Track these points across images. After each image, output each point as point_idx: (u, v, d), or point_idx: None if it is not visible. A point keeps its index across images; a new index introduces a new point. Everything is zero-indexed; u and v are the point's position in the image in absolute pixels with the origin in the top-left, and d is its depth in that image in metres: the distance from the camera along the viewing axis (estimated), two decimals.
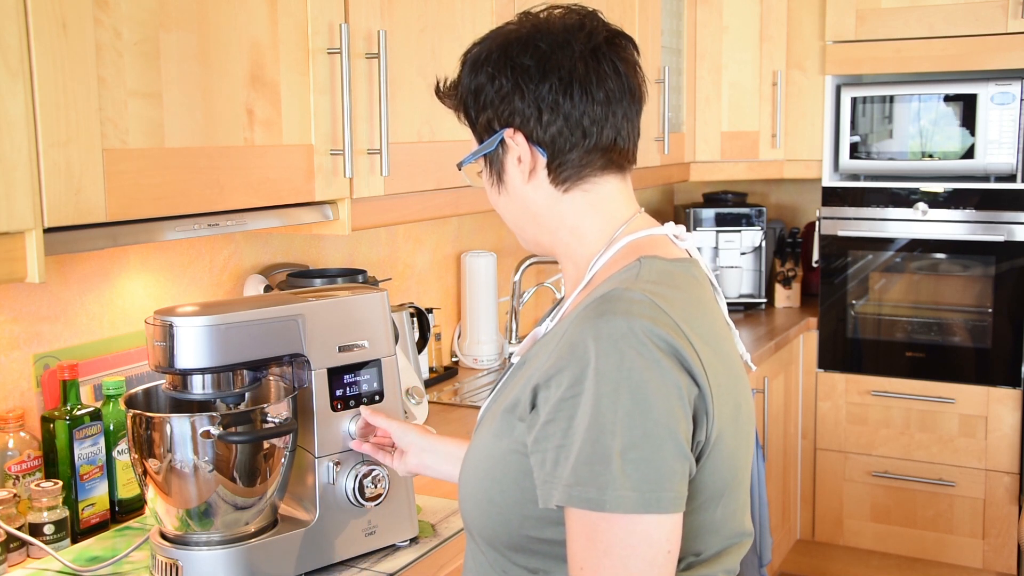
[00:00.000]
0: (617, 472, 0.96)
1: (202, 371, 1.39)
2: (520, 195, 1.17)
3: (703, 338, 1.05)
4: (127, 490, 1.74)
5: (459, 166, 1.24)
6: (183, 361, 1.37)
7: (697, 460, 1.03)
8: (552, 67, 1.11)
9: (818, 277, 3.59)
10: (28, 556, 1.57)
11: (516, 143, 1.14)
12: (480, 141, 1.18)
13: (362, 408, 1.51)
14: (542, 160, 1.14)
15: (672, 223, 1.20)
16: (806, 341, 3.57)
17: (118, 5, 1.36)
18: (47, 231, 1.28)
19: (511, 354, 1.23)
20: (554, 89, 1.11)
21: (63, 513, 1.60)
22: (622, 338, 0.98)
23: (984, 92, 3.21)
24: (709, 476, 1.05)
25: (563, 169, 1.14)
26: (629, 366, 0.97)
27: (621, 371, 0.97)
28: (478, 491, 1.11)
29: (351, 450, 1.50)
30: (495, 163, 1.17)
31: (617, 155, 1.16)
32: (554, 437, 1.00)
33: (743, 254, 3.76)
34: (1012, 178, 3.22)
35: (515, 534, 1.08)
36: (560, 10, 1.16)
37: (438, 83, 1.23)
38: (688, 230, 3.70)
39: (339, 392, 1.50)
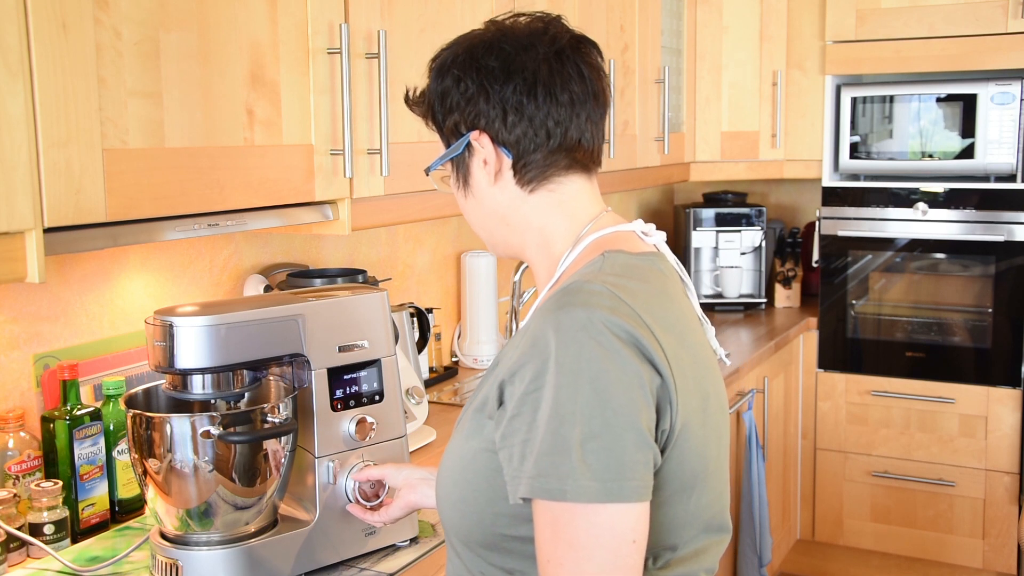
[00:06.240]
0: (577, 462, 0.96)
1: (202, 371, 1.39)
2: (487, 197, 1.19)
3: (667, 329, 1.06)
4: (127, 490, 1.74)
5: (427, 171, 1.25)
6: (183, 361, 1.37)
7: (663, 450, 1.04)
8: (516, 68, 1.13)
9: (818, 277, 3.59)
10: (28, 556, 1.57)
11: (482, 145, 1.16)
12: (447, 145, 1.20)
13: (353, 474, 1.49)
14: (507, 161, 1.16)
15: (640, 220, 1.21)
16: (806, 341, 3.57)
17: (118, 5, 1.36)
18: (47, 231, 1.28)
19: None
20: (518, 90, 1.13)
21: (63, 513, 1.60)
22: (581, 329, 0.99)
23: (984, 92, 3.21)
24: (677, 466, 1.05)
25: (528, 170, 1.15)
26: (588, 356, 0.98)
27: (580, 361, 0.98)
28: (452, 492, 1.12)
29: (351, 450, 1.50)
30: (462, 167, 1.19)
31: (581, 155, 1.18)
32: (520, 432, 1.01)
33: (743, 254, 3.76)
34: (1012, 178, 3.22)
35: (489, 533, 1.09)
36: (525, 17, 1.18)
37: (407, 91, 1.25)
38: (689, 230, 3.72)
39: (339, 392, 1.50)
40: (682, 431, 1.04)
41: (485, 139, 1.15)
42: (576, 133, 1.15)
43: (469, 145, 1.16)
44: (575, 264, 1.14)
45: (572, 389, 0.98)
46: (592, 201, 1.20)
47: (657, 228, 1.21)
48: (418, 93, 1.23)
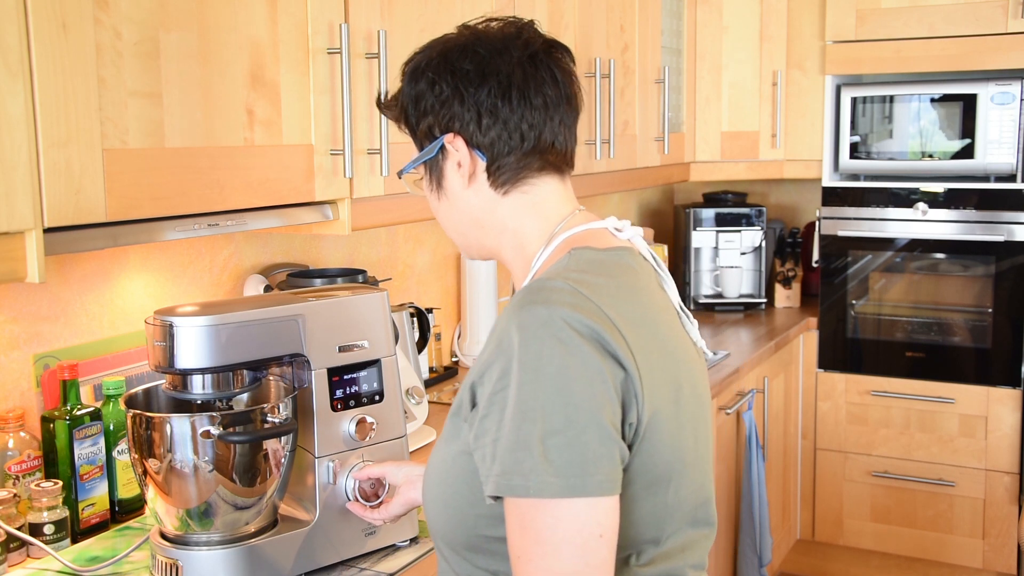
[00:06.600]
0: (539, 458, 0.97)
1: (202, 371, 1.39)
2: (461, 200, 1.19)
3: (634, 322, 1.07)
4: (127, 490, 1.74)
5: (400, 174, 1.26)
6: (183, 361, 1.37)
7: (632, 444, 1.04)
8: (491, 72, 1.14)
9: (818, 277, 3.59)
10: (28, 556, 1.57)
11: (456, 148, 1.16)
12: (421, 148, 1.20)
13: (353, 473, 1.50)
14: (481, 164, 1.16)
15: (614, 217, 1.21)
16: (806, 341, 3.57)
17: (118, 5, 1.36)
18: (47, 231, 1.28)
19: None
20: (493, 93, 1.14)
21: (63, 513, 1.60)
22: (542, 326, 1.01)
23: (984, 92, 3.21)
24: (649, 459, 1.06)
25: (502, 172, 1.16)
26: (549, 353, 0.99)
27: (541, 358, 0.99)
28: (436, 497, 1.13)
29: (351, 450, 1.50)
30: (435, 170, 1.20)
31: (555, 157, 1.19)
32: (490, 432, 1.02)
33: (743, 254, 3.76)
34: (1012, 178, 3.22)
35: (471, 535, 1.10)
36: (498, 22, 1.19)
37: (379, 95, 1.27)
38: (689, 230, 3.72)
39: (339, 392, 1.50)
40: (651, 423, 1.05)
41: (459, 142, 1.16)
42: (550, 136, 1.16)
43: (443, 148, 1.17)
44: (547, 263, 1.15)
45: (534, 386, 0.99)
46: (564, 201, 1.20)
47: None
48: (391, 97, 1.24)
